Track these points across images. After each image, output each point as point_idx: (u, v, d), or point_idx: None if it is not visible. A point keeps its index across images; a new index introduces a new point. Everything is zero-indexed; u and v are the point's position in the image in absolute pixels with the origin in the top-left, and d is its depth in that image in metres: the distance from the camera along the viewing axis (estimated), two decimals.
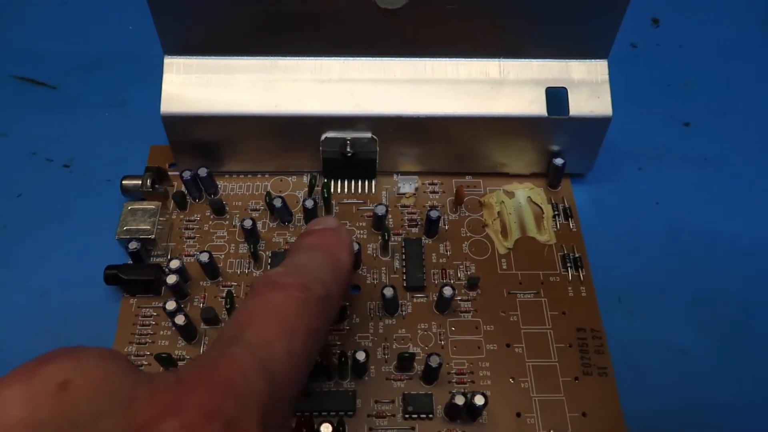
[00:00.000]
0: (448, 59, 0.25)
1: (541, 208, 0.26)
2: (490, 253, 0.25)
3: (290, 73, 0.25)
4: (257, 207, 0.26)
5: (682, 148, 0.29)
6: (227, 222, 0.26)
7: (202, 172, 0.26)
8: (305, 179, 0.27)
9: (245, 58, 0.25)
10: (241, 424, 0.12)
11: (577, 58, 0.25)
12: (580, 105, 0.25)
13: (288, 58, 0.25)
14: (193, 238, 0.25)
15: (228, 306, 0.23)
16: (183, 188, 0.26)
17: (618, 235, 0.26)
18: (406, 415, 0.21)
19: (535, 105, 0.25)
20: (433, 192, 0.27)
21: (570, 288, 0.24)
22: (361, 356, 0.21)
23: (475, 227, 0.26)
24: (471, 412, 0.21)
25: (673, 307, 0.25)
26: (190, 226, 0.26)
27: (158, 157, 0.28)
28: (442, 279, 0.25)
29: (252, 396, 0.12)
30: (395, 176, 0.27)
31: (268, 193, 0.26)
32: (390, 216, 0.26)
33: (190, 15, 0.23)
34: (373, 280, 0.24)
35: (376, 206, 0.25)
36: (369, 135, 0.25)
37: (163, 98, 0.24)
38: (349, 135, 0.25)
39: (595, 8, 0.23)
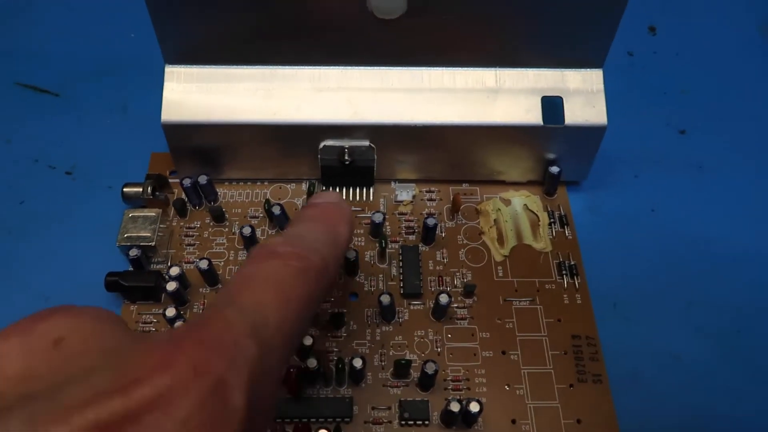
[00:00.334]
0: (444, 68, 0.25)
1: (537, 215, 0.27)
2: (487, 261, 0.26)
3: (289, 81, 0.25)
4: (256, 214, 0.27)
5: (677, 155, 0.29)
6: (227, 229, 0.26)
7: (202, 179, 0.26)
8: (304, 186, 0.27)
9: (245, 67, 0.25)
10: (230, 383, 0.12)
11: (572, 68, 0.25)
12: (576, 114, 0.25)
13: (287, 67, 0.25)
14: (193, 245, 0.26)
15: None
16: (183, 195, 0.26)
17: (614, 243, 0.27)
18: (403, 422, 0.22)
19: (530, 114, 0.25)
20: (431, 200, 0.27)
21: (565, 295, 0.25)
22: (358, 363, 0.21)
23: (472, 235, 0.26)
24: (466, 419, 0.21)
25: (668, 313, 0.25)
26: (190, 233, 0.26)
27: (159, 164, 0.28)
28: (439, 286, 0.25)
29: (242, 356, 0.12)
30: (393, 184, 0.28)
31: (267, 201, 0.26)
32: (387, 223, 0.26)
33: (190, 25, 0.23)
34: (371, 287, 0.25)
35: (373, 214, 0.25)
36: (367, 143, 0.26)
37: (164, 107, 0.25)
38: (347, 143, 0.26)
39: (590, 19, 0.23)
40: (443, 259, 0.26)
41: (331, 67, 0.25)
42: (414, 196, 0.27)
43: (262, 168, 0.27)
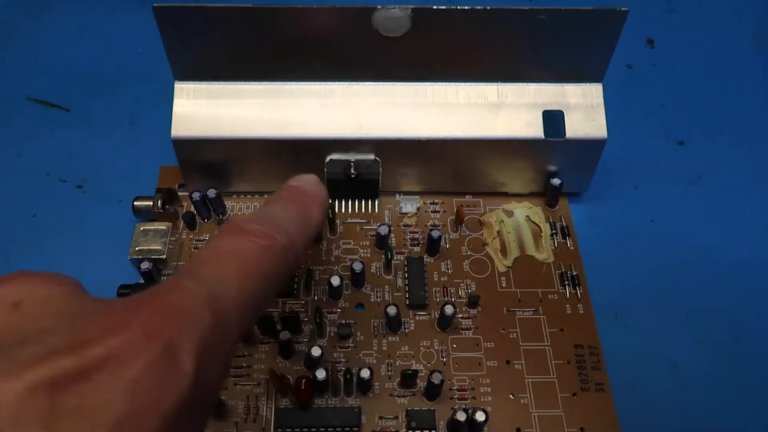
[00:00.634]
0: (447, 84, 0.26)
1: (539, 226, 0.27)
2: (490, 272, 0.26)
3: (296, 97, 0.26)
4: None
5: (676, 166, 0.30)
6: None
7: (211, 193, 0.26)
8: None
9: (252, 83, 0.25)
10: (181, 348, 0.12)
11: (572, 82, 0.26)
12: (576, 127, 0.26)
13: (293, 83, 0.26)
14: None
15: None
16: (192, 209, 0.27)
17: (615, 253, 0.27)
18: (410, 431, 0.22)
19: (532, 127, 0.26)
20: (434, 211, 0.28)
21: (568, 305, 0.25)
22: (365, 373, 0.22)
23: (476, 246, 0.27)
24: (473, 428, 0.21)
25: (668, 322, 0.25)
26: (200, 245, 0.27)
27: (168, 177, 0.29)
28: (444, 297, 0.25)
29: (195, 324, 0.13)
30: (397, 196, 0.28)
31: None
32: (392, 235, 0.27)
33: (199, 43, 0.24)
34: (377, 298, 0.25)
35: (379, 226, 0.26)
36: (372, 157, 0.26)
37: (174, 122, 0.25)
38: (352, 157, 0.26)
39: (590, 36, 0.24)
40: (448, 270, 0.26)
41: (337, 83, 0.26)
42: (418, 208, 0.28)
43: (269, 181, 0.28)
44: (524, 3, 0.36)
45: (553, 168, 0.27)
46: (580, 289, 0.25)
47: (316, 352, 0.22)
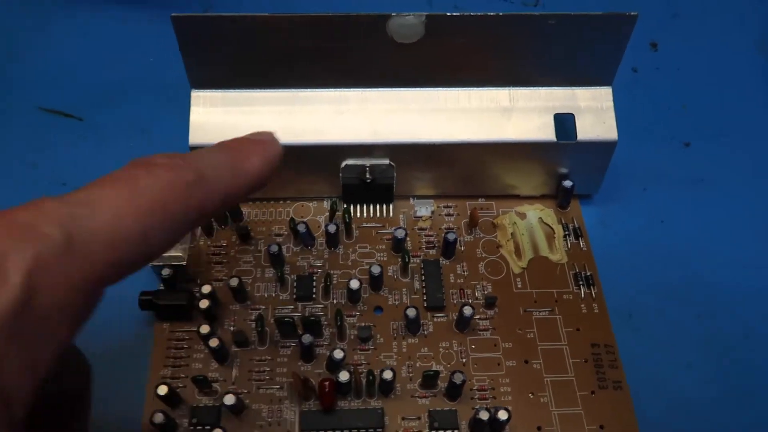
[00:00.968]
0: (460, 89, 0.26)
1: (552, 228, 0.28)
2: (505, 273, 0.26)
3: (311, 104, 0.26)
4: (280, 232, 0.27)
5: (683, 168, 0.31)
6: (252, 247, 0.27)
7: None
8: (325, 204, 0.28)
9: (267, 90, 0.26)
10: (10, 261, 0.12)
11: (582, 86, 0.26)
12: (587, 130, 0.26)
13: (308, 90, 0.26)
14: (221, 263, 0.26)
15: (259, 328, 0.24)
16: None
17: (626, 254, 0.27)
18: (433, 431, 0.22)
19: (543, 131, 0.26)
20: (448, 215, 0.28)
21: (583, 305, 0.26)
22: (388, 375, 0.22)
23: (490, 248, 0.27)
24: (495, 427, 0.22)
25: (679, 322, 0.26)
26: (217, 252, 0.27)
27: None
28: (461, 299, 0.26)
29: (33, 239, 0.12)
30: (412, 200, 0.29)
31: (292, 219, 0.27)
32: (408, 238, 0.27)
33: (215, 52, 0.24)
34: (395, 301, 0.26)
35: (395, 230, 0.26)
36: (387, 161, 0.27)
37: (191, 130, 0.25)
38: (368, 162, 0.27)
39: (599, 40, 0.24)
40: (464, 272, 0.26)
41: (352, 90, 0.26)
42: (432, 212, 0.28)
43: (284, 187, 0.28)
44: (531, 9, 0.37)
45: (564, 170, 0.27)
46: (594, 289, 0.26)
47: (338, 354, 0.22)
